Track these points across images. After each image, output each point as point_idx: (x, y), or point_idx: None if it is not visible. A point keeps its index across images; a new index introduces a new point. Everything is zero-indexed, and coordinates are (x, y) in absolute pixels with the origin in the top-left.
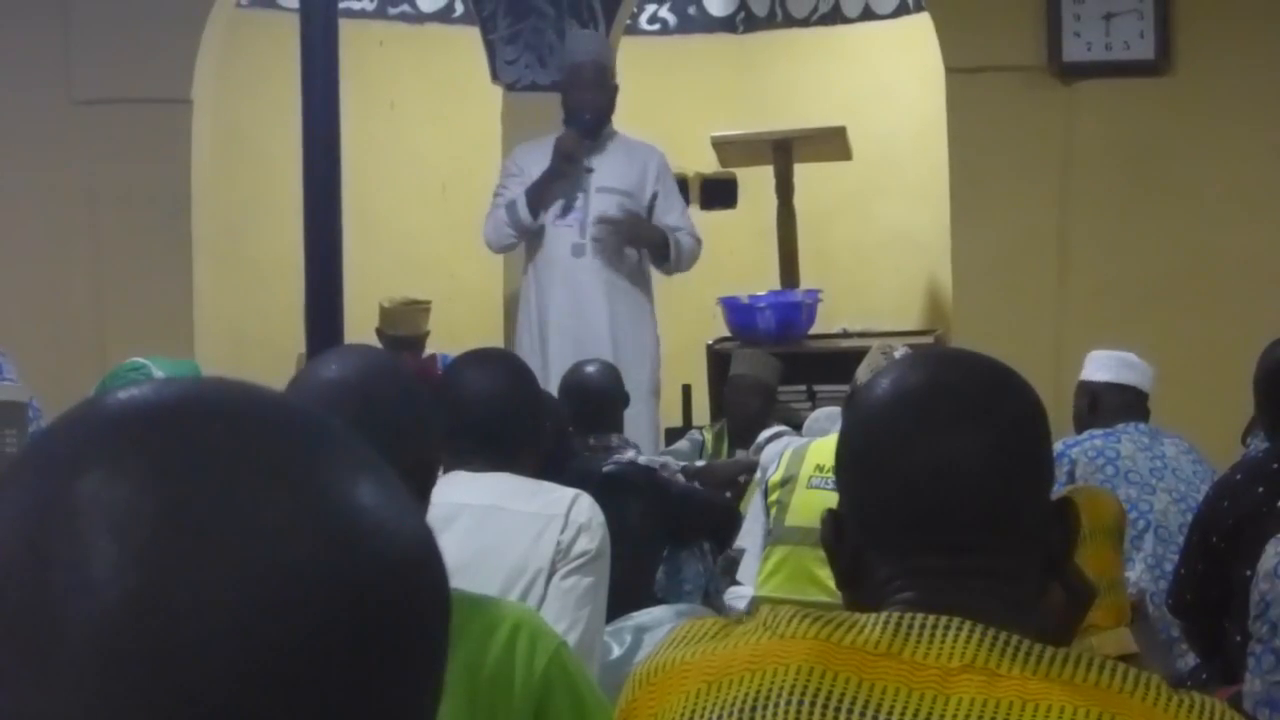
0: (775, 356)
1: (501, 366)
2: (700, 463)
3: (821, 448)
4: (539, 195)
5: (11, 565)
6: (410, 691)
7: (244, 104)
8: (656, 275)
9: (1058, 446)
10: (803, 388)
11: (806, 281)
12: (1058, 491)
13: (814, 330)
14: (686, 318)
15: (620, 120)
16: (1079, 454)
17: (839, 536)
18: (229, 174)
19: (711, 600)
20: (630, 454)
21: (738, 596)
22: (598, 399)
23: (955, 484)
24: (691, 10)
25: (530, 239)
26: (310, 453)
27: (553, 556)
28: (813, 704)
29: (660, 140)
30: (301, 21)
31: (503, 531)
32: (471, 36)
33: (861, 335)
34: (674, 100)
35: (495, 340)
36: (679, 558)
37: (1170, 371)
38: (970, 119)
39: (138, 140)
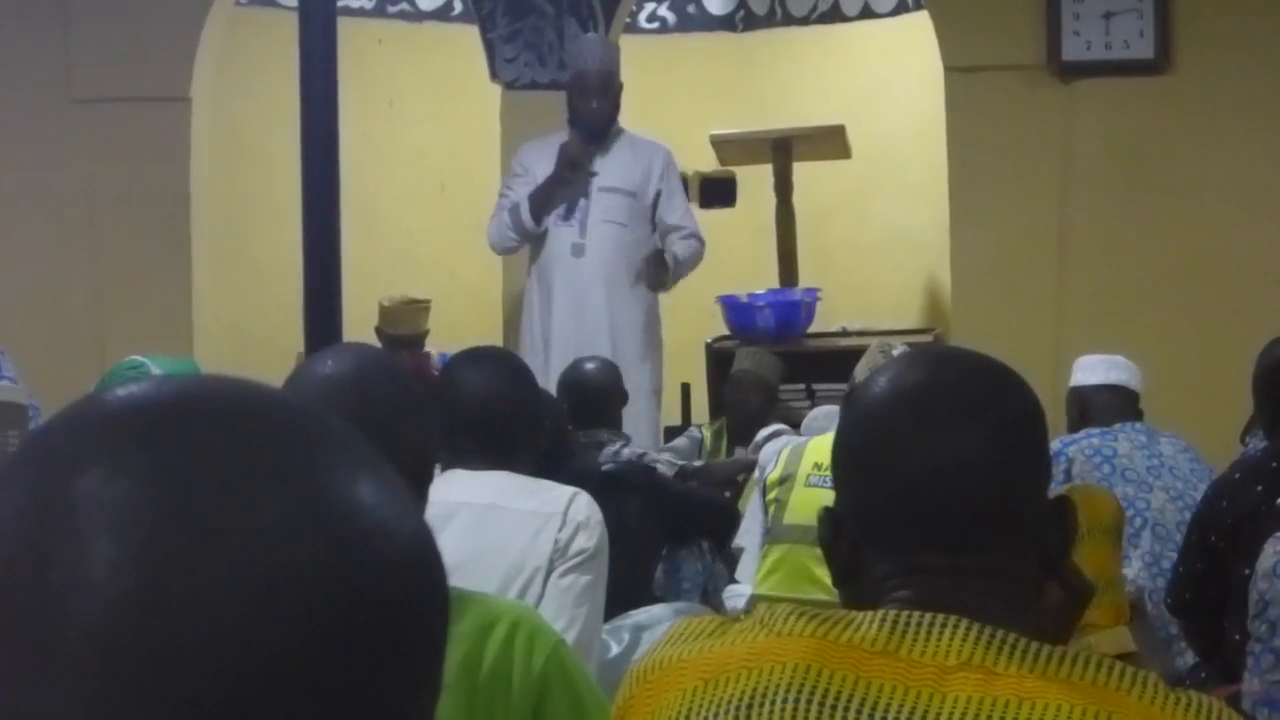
0: (775, 355)
1: (499, 365)
2: (699, 461)
3: (819, 446)
4: (543, 200)
5: (10, 564)
6: (409, 690)
7: (243, 102)
8: None
9: (1054, 445)
10: (801, 386)
11: (805, 280)
12: (1055, 490)
13: (813, 329)
14: (685, 316)
15: (621, 119)
16: (1076, 452)
17: (836, 535)
18: (228, 172)
19: (710, 599)
20: (624, 449)
21: (736, 595)
22: (594, 396)
23: (953, 482)
24: (690, 9)
25: (533, 240)
26: (309, 451)
27: (551, 555)
28: (809, 702)
29: (659, 138)
30: (300, 20)
31: (501, 530)
32: (470, 35)
33: (860, 334)
34: (673, 99)
35: (494, 339)
36: (678, 556)
37: (1169, 370)
38: (969, 118)
39: (137, 139)
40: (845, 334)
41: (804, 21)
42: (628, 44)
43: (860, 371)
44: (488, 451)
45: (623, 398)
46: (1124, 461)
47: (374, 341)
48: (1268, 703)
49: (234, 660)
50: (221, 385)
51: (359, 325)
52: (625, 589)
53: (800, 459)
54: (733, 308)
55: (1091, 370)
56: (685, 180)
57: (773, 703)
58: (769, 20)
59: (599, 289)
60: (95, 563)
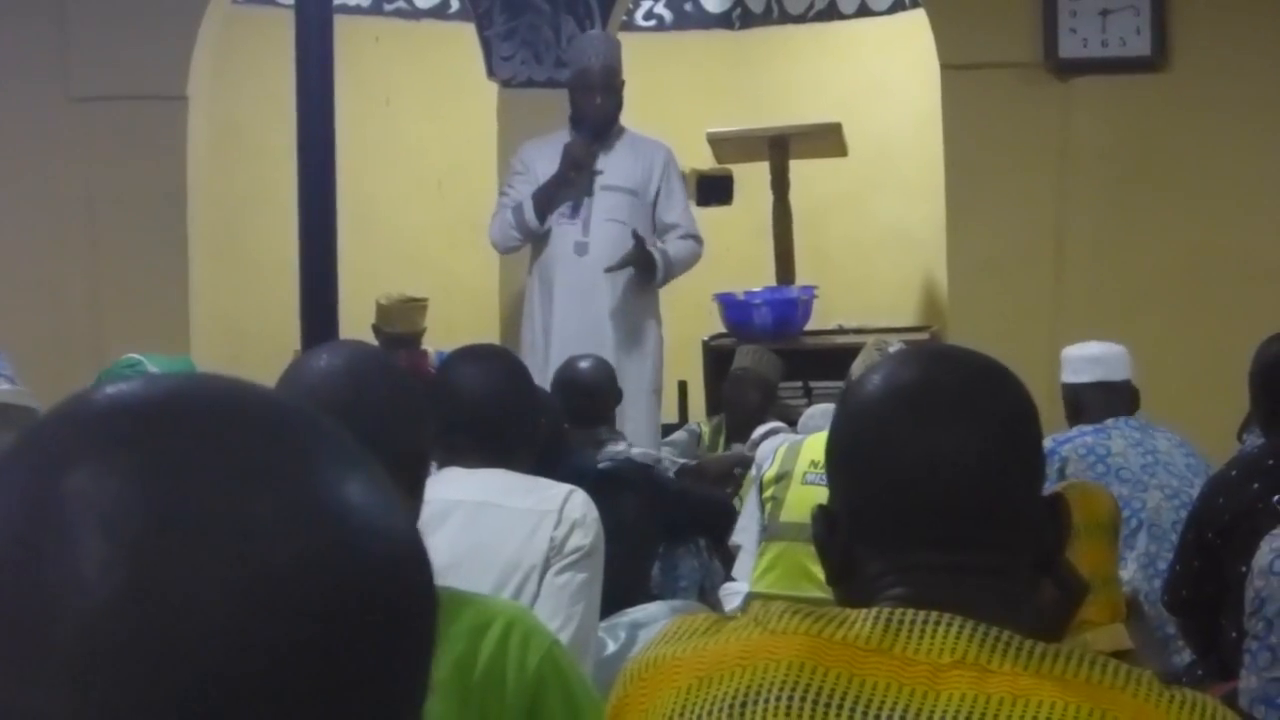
0: (774, 352)
1: (496, 363)
2: (696, 460)
3: (816, 444)
4: (546, 200)
5: (1, 561)
6: (399, 689)
7: (240, 100)
8: None
9: (1048, 444)
10: (799, 384)
11: (802, 278)
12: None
13: (810, 327)
14: (683, 314)
15: (620, 117)
16: (1070, 451)
17: (830, 532)
18: (225, 171)
19: (707, 596)
20: (621, 446)
21: (733, 593)
22: (587, 394)
23: (947, 480)
24: (687, 7)
25: (535, 239)
26: (300, 450)
27: (546, 553)
28: (803, 700)
29: (656, 137)
30: (297, 18)
31: (497, 528)
32: (467, 32)
33: (857, 332)
34: (670, 97)
35: (491, 337)
36: (675, 554)
37: (1166, 367)
38: (966, 115)
39: (134, 137)
40: (842, 332)
41: (801, 19)
42: (625, 42)
43: (857, 369)
44: (484, 449)
45: (616, 396)
46: (1118, 460)
47: (371, 339)
48: (1264, 700)
49: (224, 658)
50: (212, 384)
51: (356, 323)
52: (622, 586)
53: (797, 457)
54: (730, 305)
55: (1076, 370)
56: (683, 178)
57: (766, 701)
58: (766, 18)
59: (602, 287)
60: (86, 561)
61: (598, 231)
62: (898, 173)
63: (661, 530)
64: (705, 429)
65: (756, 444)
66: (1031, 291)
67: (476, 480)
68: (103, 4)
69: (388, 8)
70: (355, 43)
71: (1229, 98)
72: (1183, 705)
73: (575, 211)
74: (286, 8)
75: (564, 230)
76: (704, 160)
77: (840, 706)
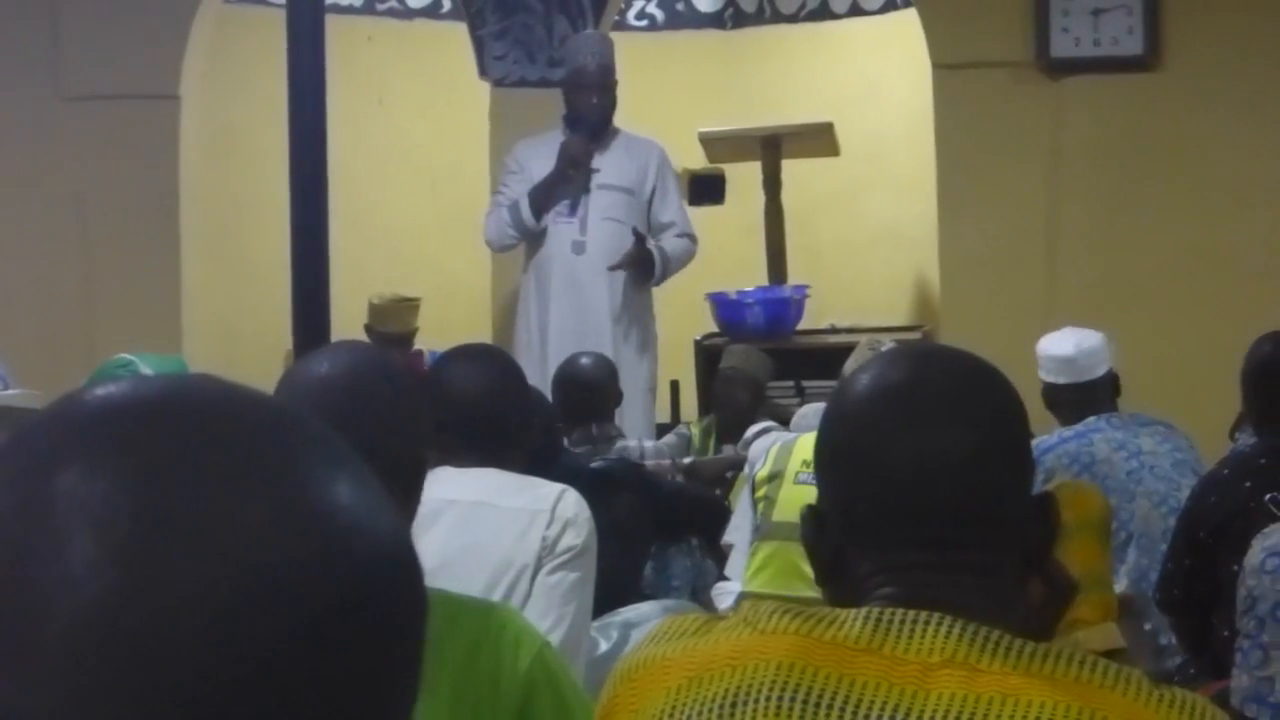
0: (764, 352)
1: (489, 362)
2: (688, 459)
3: (808, 443)
4: (544, 198)
5: None
6: (387, 689)
7: (232, 100)
8: None
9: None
10: (791, 383)
11: (794, 277)
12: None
13: (802, 326)
14: (675, 314)
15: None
16: (1054, 461)
17: (819, 532)
18: (217, 170)
19: (699, 596)
20: (633, 443)
21: (725, 592)
22: (588, 389)
23: (936, 479)
24: (679, 6)
25: (530, 238)
26: (288, 450)
27: (538, 552)
28: (793, 699)
29: (648, 136)
30: (288, 17)
31: (489, 527)
32: (460, 32)
33: (849, 331)
34: (662, 96)
35: (484, 336)
36: (667, 553)
37: (1159, 366)
38: (958, 115)
39: (126, 137)
40: (834, 331)
41: (793, 19)
42: (617, 41)
43: (850, 368)
44: (477, 449)
45: (617, 396)
46: (1103, 468)
47: (364, 339)
48: (1256, 698)
49: (212, 657)
50: (201, 385)
51: (349, 323)
52: (614, 586)
53: (789, 456)
54: (722, 305)
55: (1049, 370)
56: (677, 178)
57: (756, 701)
58: (758, 18)
59: (599, 286)
60: (75, 560)
61: (595, 230)
62: (890, 172)
63: (654, 529)
64: (695, 431)
65: (749, 443)
66: (1023, 290)
67: (469, 479)
68: (94, 3)
69: (380, 7)
70: (348, 42)
71: (1221, 97)
72: (1172, 704)
73: (573, 210)
74: (279, 7)
75: (561, 229)
76: (696, 160)
77: (830, 706)
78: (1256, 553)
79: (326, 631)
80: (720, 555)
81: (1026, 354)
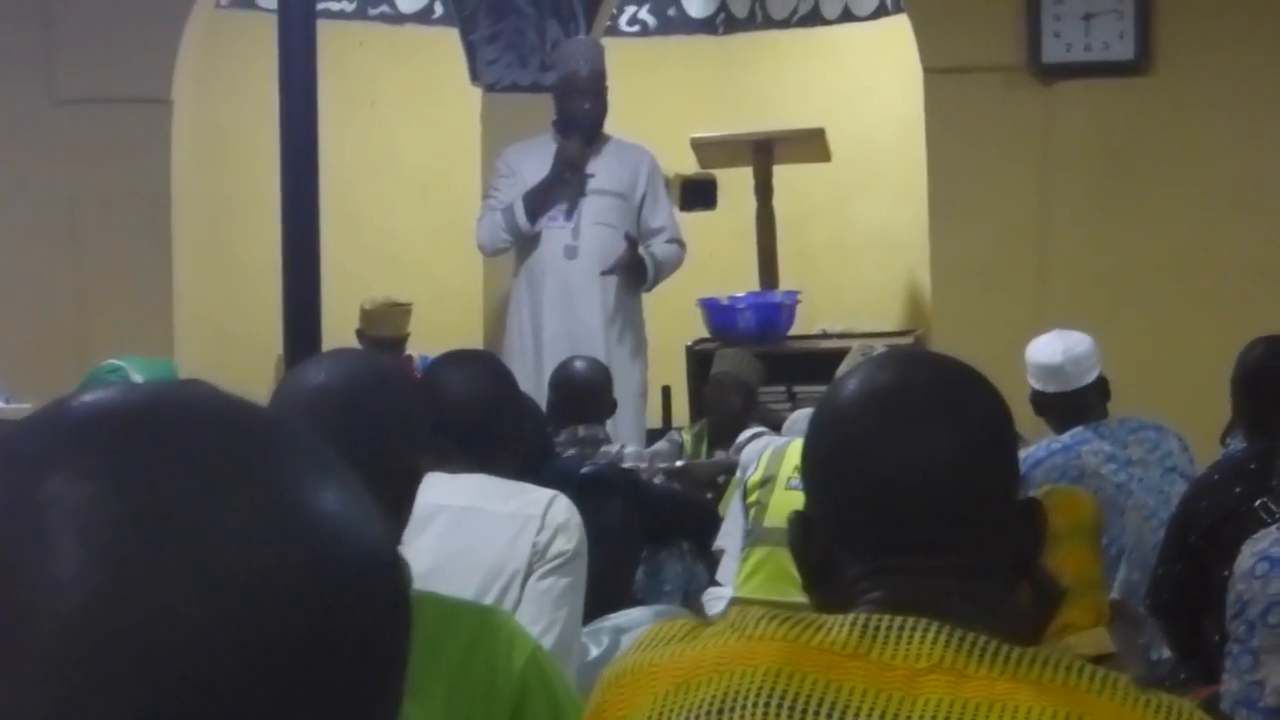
0: (756, 357)
1: (480, 367)
2: (679, 463)
3: (800, 448)
4: (538, 201)
5: None
6: (371, 695)
7: (224, 104)
8: None
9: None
10: (782, 388)
11: (786, 282)
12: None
13: (794, 331)
14: (666, 319)
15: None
16: (1042, 476)
17: (807, 537)
18: (209, 174)
19: (691, 601)
20: (614, 449)
21: (717, 597)
22: (581, 393)
23: (923, 484)
24: (671, 12)
25: (522, 242)
26: (274, 457)
27: (529, 557)
28: (780, 705)
29: (640, 141)
30: (280, 22)
31: (480, 532)
32: (451, 37)
33: (841, 336)
34: (654, 101)
35: (475, 341)
36: (658, 558)
37: (1149, 369)
38: (949, 119)
39: (118, 140)
40: (826, 336)
41: (784, 24)
42: (608, 47)
43: (842, 374)
44: (468, 454)
45: (611, 402)
46: (1092, 482)
47: (355, 344)
48: (1246, 703)
49: (197, 662)
50: (189, 392)
51: (340, 327)
52: (606, 591)
53: (781, 461)
54: (713, 310)
55: (1036, 377)
56: (666, 183)
57: (744, 706)
58: (749, 23)
59: (592, 291)
60: (62, 564)
61: (588, 235)
62: (881, 177)
63: (645, 535)
64: (687, 437)
65: (741, 448)
66: (1015, 295)
67: (460, 485)
68: (87, 7)
69: (372, 12)
70: (339, 47)
71: (1212, 102)
72: (1159, 709)
73: (570, 213)
74: (271, 12)
75: (554, 234)
76: (688, 165)
77: (817, 712)
78: (1246, 558)
79: (312, 638)
80: (712, 560)
81: (1018, 358)
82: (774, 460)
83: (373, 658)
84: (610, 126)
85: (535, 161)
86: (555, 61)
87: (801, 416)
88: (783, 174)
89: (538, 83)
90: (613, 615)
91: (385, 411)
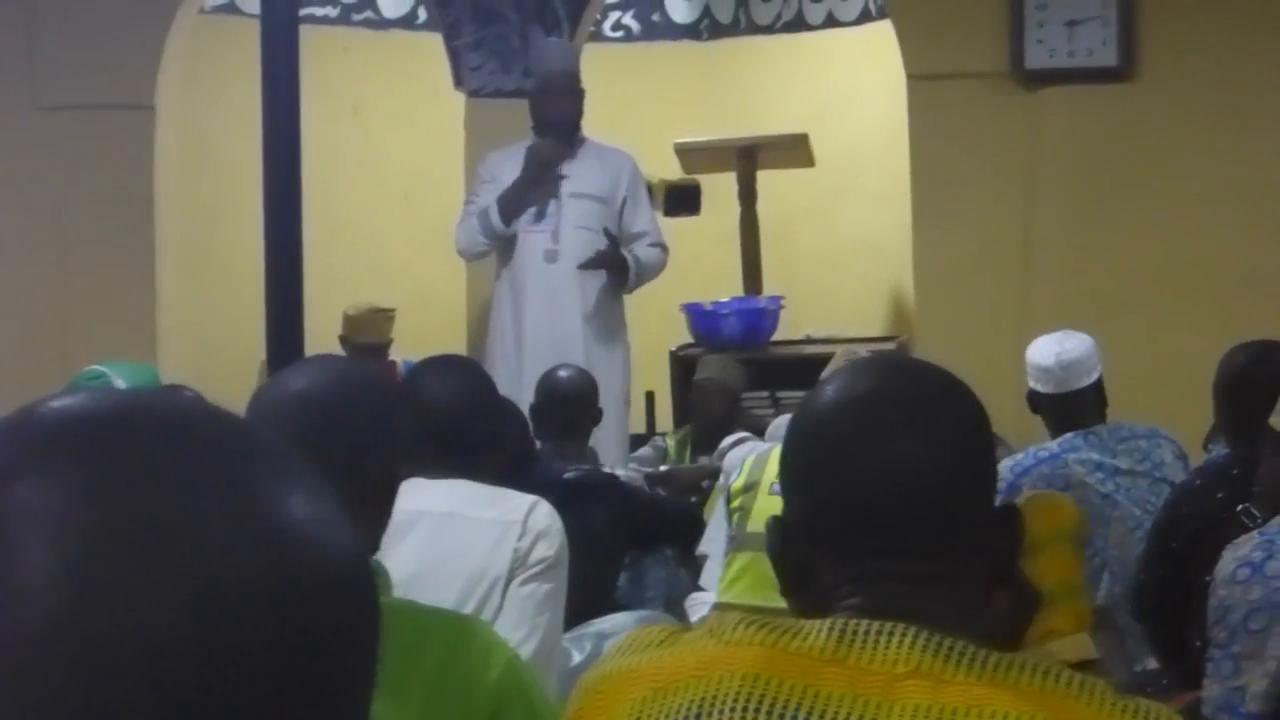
0: (739, 363)
1: (461, 373)
2: (663, 468)
3: None
4: (513, 203)
5: None
6: (340, 705)
7: (207, 110)
8: None
9: (1006, 475)
10: (766, 394)
11: (770, 288)
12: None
13: (777, 336)
14: (650, 324)
15: (585, 127)
16: (1028, 485)
17: (785, 543)
18: (193, 179)
19: (674, 607)
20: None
21: (700, 603)
22: (564, 402)
23: (901, 490)
24: (655, 17)
25: (502, 246)
26: (244, 465)
27: (511, 563)
28: (758, 710)
29: (624, 147)
30: (262, 28)
31: (461, 538)
32: (435, 43)
33: (825, 341)
34: (638, 107)
35: (459, 347)
36: (642, 564)
37: (1133, 375)
38: (933, 126)
39: (102, 146)
40: (810, 342)
41: (768, 30)
42: (593, 52)
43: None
44: (449, 460)
45: (596, 413)
46: (1077, 493)
47: (338, 350)
48: (1227, 708)
49: (168, 672)
50: (159, 399)
51: (323, 333)
52: (589, 597)
53: (764, 467)
54: (697, 316)
55: (1035, 377)
56: (650, 188)
57: (721, 712)
58: (734, 29)
59: (573, 295)
60: (30, 573)
61: (568, 239)
62: (865, 183)
63: (629, 540)
64: (671, 443)
65: (725, 454)
66: (998, 301)
67: (441, 491)
68: (70, 13)
69: (355, 18)
70: (323, 52)
71: (1196, 108)
72: (1136, 713)
73: (539, 216)
74: (254, 17)
75: (534, 238)
76: (672, 170)
77: (795, 717)
78: (1228, 563)
79: (282, 646)
80: (695, 566)
81: (1001, 364)
82: (757, 466)
83: (343, 666)
84: (594, 131)
85: (516, 166)
86: (530, 65)
87: (785, 422)
88: (767, 180)
89: (521, 88)
90: (596, 621)
91: (366, 419)
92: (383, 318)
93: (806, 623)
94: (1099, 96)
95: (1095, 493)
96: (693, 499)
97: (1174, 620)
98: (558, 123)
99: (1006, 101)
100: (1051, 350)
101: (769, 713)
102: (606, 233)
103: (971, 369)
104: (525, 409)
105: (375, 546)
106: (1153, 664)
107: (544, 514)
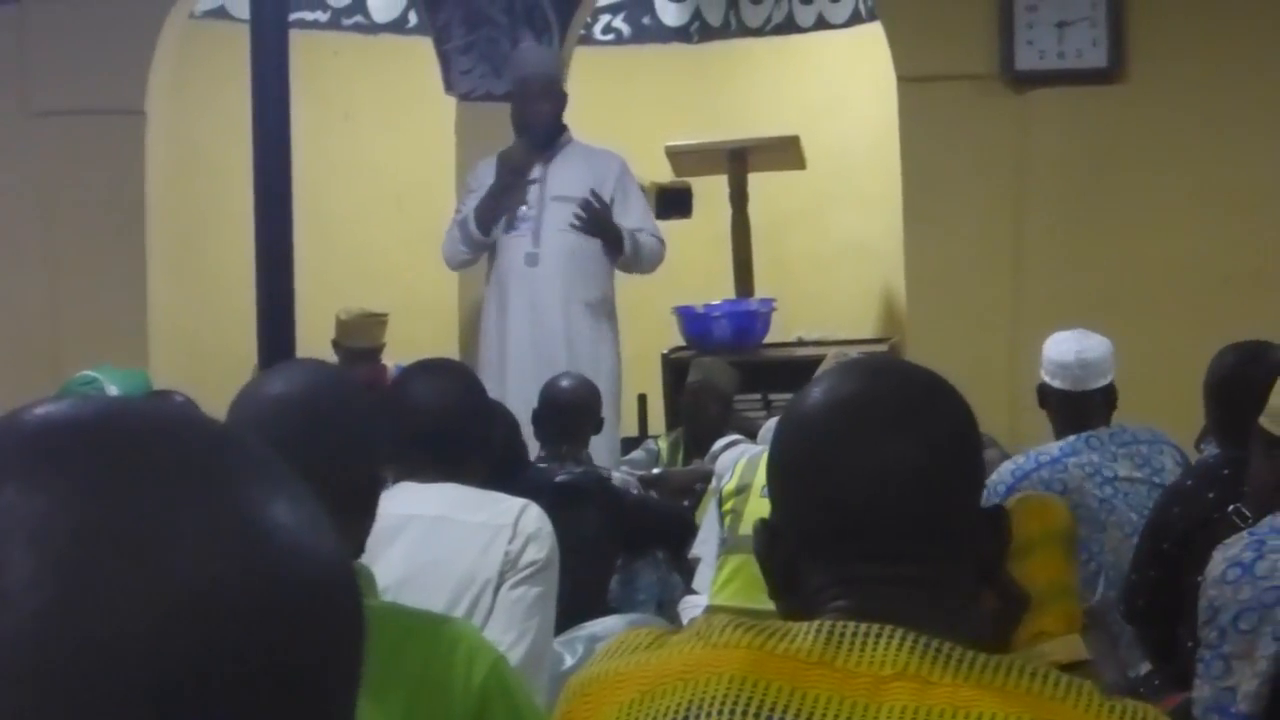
0: (731, 365)
1: (450, 376)
2: (656, 471)
3: None
4: (488, 211)
5: None
6: (322, 708)
7: (198, 115)
8: (618, 284)
9: (1006, 479)
10: (758, 396)
11: (761, 290)
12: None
13: (769, 339)
14: (642, 327)
15: (575, 130)
16: (1027, 488)
17: (772, 546)
18: (184, 185)
19: (666, 610)
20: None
21: (692, 605)
22: (561, 411)
23: (887, 492)
24: (646, 20)
25: (490, 251)
26: (226, 470)
27: (501, 567)
28: (744, 713)
29: (615, 149)
30: (252, 32)
31: (451, 542)
32: (425, 46)
33: (816, 344)
34: (629, 110)
35: (450, 352)
36: (633, 567)
37: (1124, 377)
38: (923, 128)
39: (92, 152)
40: (801, 344)
41: (759, 33)
42: (583, 56)
43: None
44: (438, 463)
45: (598, 419)
46: (1074, 498)
47: (330, 355)
48: (1218, 709)
49: (148, 675)
50: (140, 406)
51: (316, 337)
52: (580, 600)
53: (756, 469)
54: (689, 318)
55: (1049, 371)
56: (642, 191)
57: (708, 714)
58: (724, 31)
59: (555, 298)
60: (12, 577)
61: (549, 242)
62: (856, 185)
63: (620, 543)
64: (663, 445)
65: (717, 456)
66: (989, 303)
67: (431, 494)
68: (61, 19)
69: (346, 22)
70: (314, 57)
71: (1185, 109)
72: (1123, 715)
73: (509, 226)
74: (244, 23)
75: (516, 242)
76: (663, 173)
77: (782, 719)
78: (1218, 563)
79: (264, 650)
80: (687, 568)
81: (992, 365)
82: (749, 468)
83: (326, 670)
84: (585, 135)
85: None
86: (509, 70)
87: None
88: (758, 182)
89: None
90: (587, 624)
91: (344, 422)
92: (375, 322)
93: (793, 625)
94: (1088, 98)
95: (1093, 497)
96: (685, 502)
97: (1165, 621)
98: (534, 126)
99: (996, 103)
100: (1072, 347)
101: (756, 715)
102: (593, 195)
103: (962, 370)
104: (510, 412)
105: (359, 550)
106: (1147, 667)
107: (534, 517)
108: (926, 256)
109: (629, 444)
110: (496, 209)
